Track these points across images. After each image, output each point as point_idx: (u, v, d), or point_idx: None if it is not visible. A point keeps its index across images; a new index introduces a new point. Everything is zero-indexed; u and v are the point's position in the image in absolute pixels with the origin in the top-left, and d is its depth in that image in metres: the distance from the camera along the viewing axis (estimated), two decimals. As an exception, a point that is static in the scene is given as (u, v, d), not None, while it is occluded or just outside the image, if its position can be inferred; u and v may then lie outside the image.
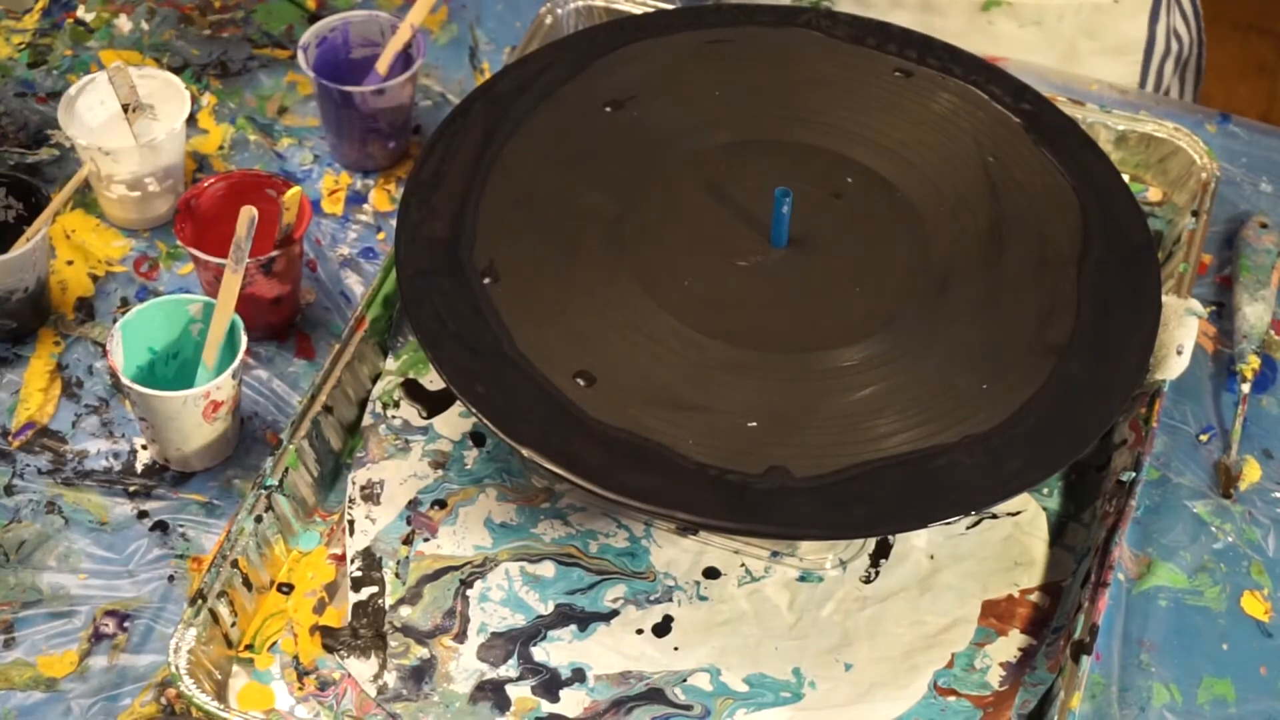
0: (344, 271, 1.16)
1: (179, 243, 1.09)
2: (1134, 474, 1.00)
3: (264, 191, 1.11)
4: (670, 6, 1.23)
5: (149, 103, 1.16)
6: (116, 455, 1.06)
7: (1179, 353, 1.03)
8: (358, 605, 0.98)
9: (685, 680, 0.96)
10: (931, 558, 1.01)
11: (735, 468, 0.92)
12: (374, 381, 1.08)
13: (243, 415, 1.08)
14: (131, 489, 1.05)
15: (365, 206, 1.20)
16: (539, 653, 0.97)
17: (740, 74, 1.12)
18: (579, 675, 0.96)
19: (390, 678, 0.96)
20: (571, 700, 0.95)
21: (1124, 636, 1.00)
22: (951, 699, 0.96)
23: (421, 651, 0.97)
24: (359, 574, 1.00)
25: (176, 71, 1.27)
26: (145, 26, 1.31)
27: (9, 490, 1.04)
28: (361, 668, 0.96)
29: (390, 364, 1.08)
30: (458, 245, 1.01)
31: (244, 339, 1.03)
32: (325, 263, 1.17)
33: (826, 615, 0.99)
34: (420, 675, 0.96)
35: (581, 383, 0.95)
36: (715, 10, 1.17)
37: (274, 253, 1.07)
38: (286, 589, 1.00)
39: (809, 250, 1.02)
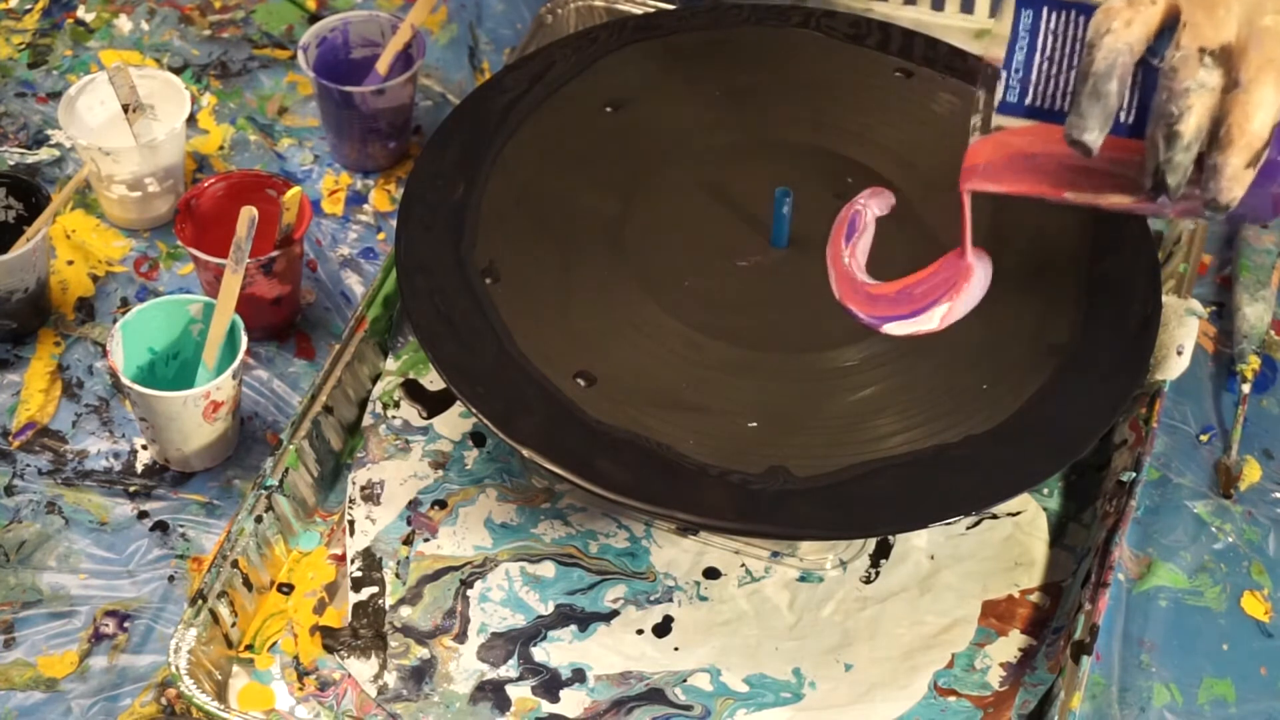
0: (344, 271, 1.16)
1: (179, 243, 1.09)
2: (1134, 474, 1.00)
3: (264, 191, 1.11)
4: (670, 6, 1.23)
5: (149, 103, 1.16)
6: (116, 455, 1.06)
7: (1179, 353, 1.02)
8: (358, 605, 0.98)
9: (685, 680, 0.96)
10: (932, 558, 1.01)
11: (735, 468, 0.92)
12: (374, 381, 1.08)
13: (243, 415, 1.08)
14: (131, 489, 1.05)
15: (365, 206, 1.20)
16: (539, 653, 0.97)
17: (740, 74, 1.12)
18: (579, 675, 0.96)
19: (390, 678, 0.96)
20: (572, 700, 0.95)
21: (1124, 637, 1.00)
22: (952, 699, 0.96)
23: (421, 652, 0.97)
24: (359, 574, 1.00)
25: (176, 71, 1.27)
26: (145, 26, 1.31)
27: (9, 490, 1.04)
28: (361, 668, 0.96)
29: (390, 364, 1.08)
30: (458, 245, 1.01)
31: (244, 339, 1.03)
32: (325, 263, 1.17)
33: (827, 615, 0.99)
34: (420, 675, 0.96)
35: (582, 383, 0.95)
36: (715, 10, 1.17)
37: (274, 253, 1.07)
38: (286, 589, 1.00)
39: (809, 250, 1.02)
